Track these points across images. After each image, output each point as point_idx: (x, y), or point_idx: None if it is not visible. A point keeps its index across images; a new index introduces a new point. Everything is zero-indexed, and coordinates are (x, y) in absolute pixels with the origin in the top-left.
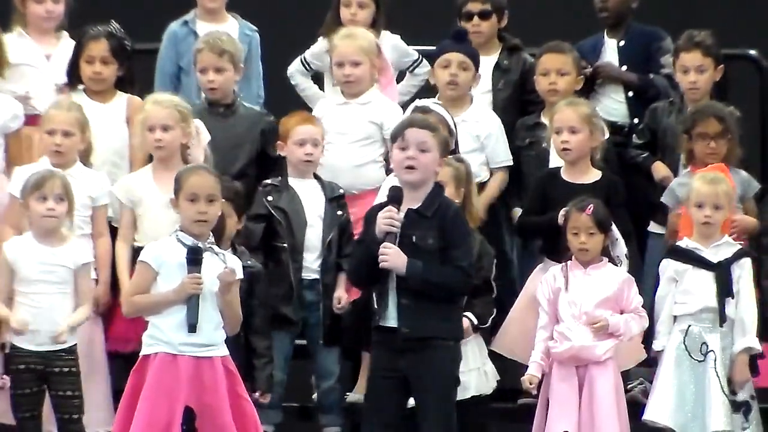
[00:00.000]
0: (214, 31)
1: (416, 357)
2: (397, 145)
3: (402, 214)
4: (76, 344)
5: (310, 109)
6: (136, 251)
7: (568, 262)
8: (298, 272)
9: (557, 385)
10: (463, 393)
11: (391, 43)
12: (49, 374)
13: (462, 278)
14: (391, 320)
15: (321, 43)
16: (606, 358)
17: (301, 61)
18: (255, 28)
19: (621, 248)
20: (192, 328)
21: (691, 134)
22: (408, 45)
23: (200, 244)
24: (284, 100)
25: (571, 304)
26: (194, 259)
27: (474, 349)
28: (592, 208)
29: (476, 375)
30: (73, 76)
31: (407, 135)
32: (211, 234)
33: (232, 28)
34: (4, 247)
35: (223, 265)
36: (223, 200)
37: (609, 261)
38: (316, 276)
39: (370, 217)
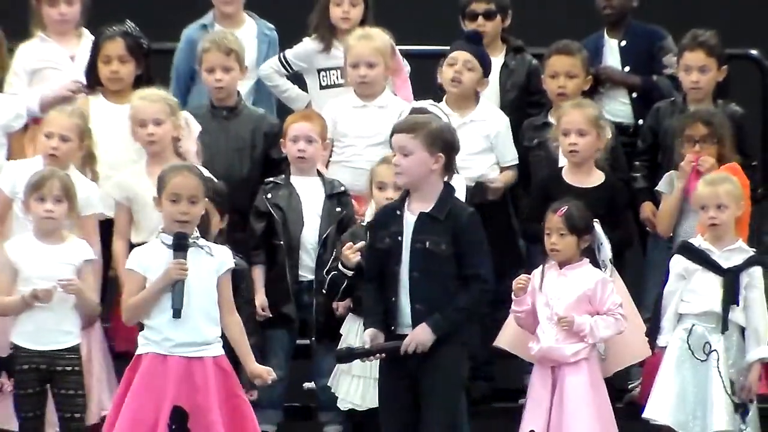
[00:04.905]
0: (218, 31)
1: (426, 358)
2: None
3: (415, 217)
4: (79, 343)
5: (290, 110)
6: (133, 248)
7: (546, 264)
8: (294, 269)
9: (533, 384)
10: None
11: None
12: (53, 373)
13: (481, 289)
14: (406, 327)
15: (308, 44)
16: (579, 359)
17: (281, 61)
18: (273, 27)
19: (606, 253)
20: (177, 313)
21: (681, 138)
22: (412, 45)
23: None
24: None
25: (546, 306)
26: (179, 244)
27: None
28: (564, 210)
29: None
30: (92, 78)
31: (392, 142)
32: (197, 229)
33: (251, 28)
34: (6, 247)
35: (211, 258)
36: (206, 199)
37: (592, 263)
38: (313, 276)
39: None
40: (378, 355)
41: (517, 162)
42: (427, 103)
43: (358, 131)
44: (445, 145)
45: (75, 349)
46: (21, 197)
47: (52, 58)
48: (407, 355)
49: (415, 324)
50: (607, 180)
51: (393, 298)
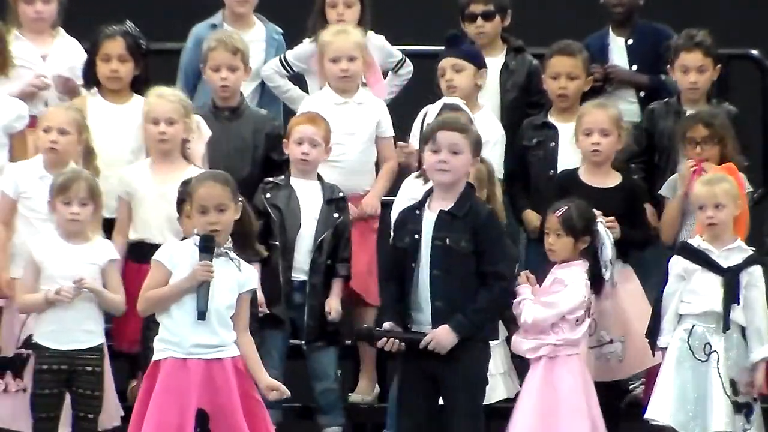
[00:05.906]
0: (223, 30)
1: (447, 357)
2: (429, 147)
3: (434, 215)
4: (102, 343)
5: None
6: (130, 246)
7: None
8: (287, 271)
9: (525, 379)
10: (491, 396)
11: (376, 43)
12: (72, 373)
13: (501, 287)
14: (426, 325)
15: (307, 46)
16: (539, 356)
17: (281, 62)
18: (281, 31)
19: (607, 254)
20: (201, 315)
21: (683, 140)
22: (412, 45)
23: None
24: None
25: None
26: (206, 246)
27: (500, 354)
28: (561, 211)
29: (502, 379)
30: (89, 77)
31: (439, 137)
32: (231, 239)
33: (260, 31)
34: (30, 245)
35: (238, 272)
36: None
37: (593, 264)
38: (306, 277)
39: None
40: (395, 342)
41: (500, 177)
42: (457, 101)
43: (344, 128)
44: (480, 151)
45: (97, 349)
46: (26, 197)
47: (24, 56)
48: (426, 357)
49: (435, 322)
50: (625, 180)
51: (410, 295)
